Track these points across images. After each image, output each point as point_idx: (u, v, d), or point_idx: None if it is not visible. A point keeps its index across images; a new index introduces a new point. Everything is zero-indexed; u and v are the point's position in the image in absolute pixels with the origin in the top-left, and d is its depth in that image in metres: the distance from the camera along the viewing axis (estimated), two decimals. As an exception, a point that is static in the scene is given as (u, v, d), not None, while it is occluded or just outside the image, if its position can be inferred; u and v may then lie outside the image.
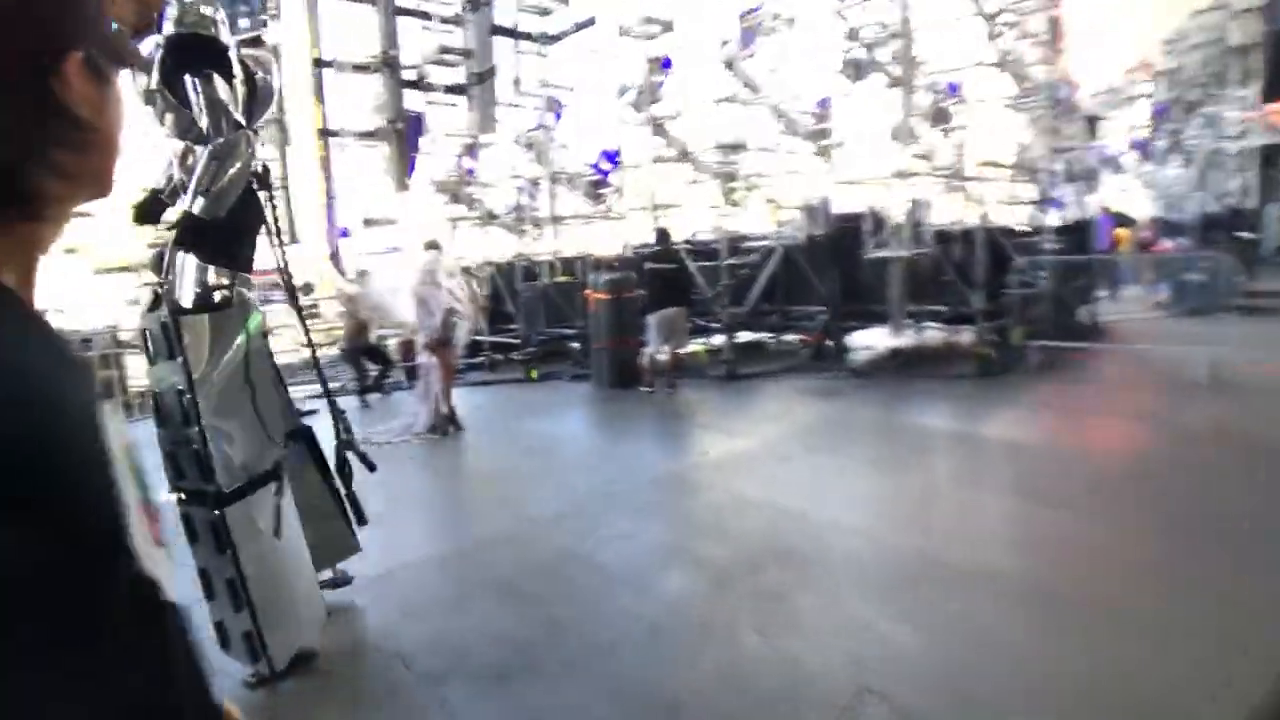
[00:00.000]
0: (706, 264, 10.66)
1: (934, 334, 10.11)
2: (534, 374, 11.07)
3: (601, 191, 12.28)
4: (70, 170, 0.71)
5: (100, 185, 0.77)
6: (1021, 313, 9.82)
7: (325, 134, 12.17)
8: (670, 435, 7.98)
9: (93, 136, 0.72)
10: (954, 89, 11.34)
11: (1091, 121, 12.55)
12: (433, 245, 8.02)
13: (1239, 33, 20.38)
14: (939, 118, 11.26)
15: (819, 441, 6.95)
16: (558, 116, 12.11)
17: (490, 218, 12.14)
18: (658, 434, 8.07)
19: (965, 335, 9.87)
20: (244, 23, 11.20)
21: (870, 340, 10.58)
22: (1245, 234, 15.94)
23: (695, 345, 10.80)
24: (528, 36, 12.48)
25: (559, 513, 5.52)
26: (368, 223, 11.74)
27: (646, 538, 4.96)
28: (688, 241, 10.87)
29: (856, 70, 10.17)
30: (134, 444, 0.75)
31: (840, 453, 6.61)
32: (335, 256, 15.63)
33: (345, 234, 16.78)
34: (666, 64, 10.99)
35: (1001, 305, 9.78)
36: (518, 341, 11.90)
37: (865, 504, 5.43)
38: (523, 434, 8.14)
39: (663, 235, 9.65)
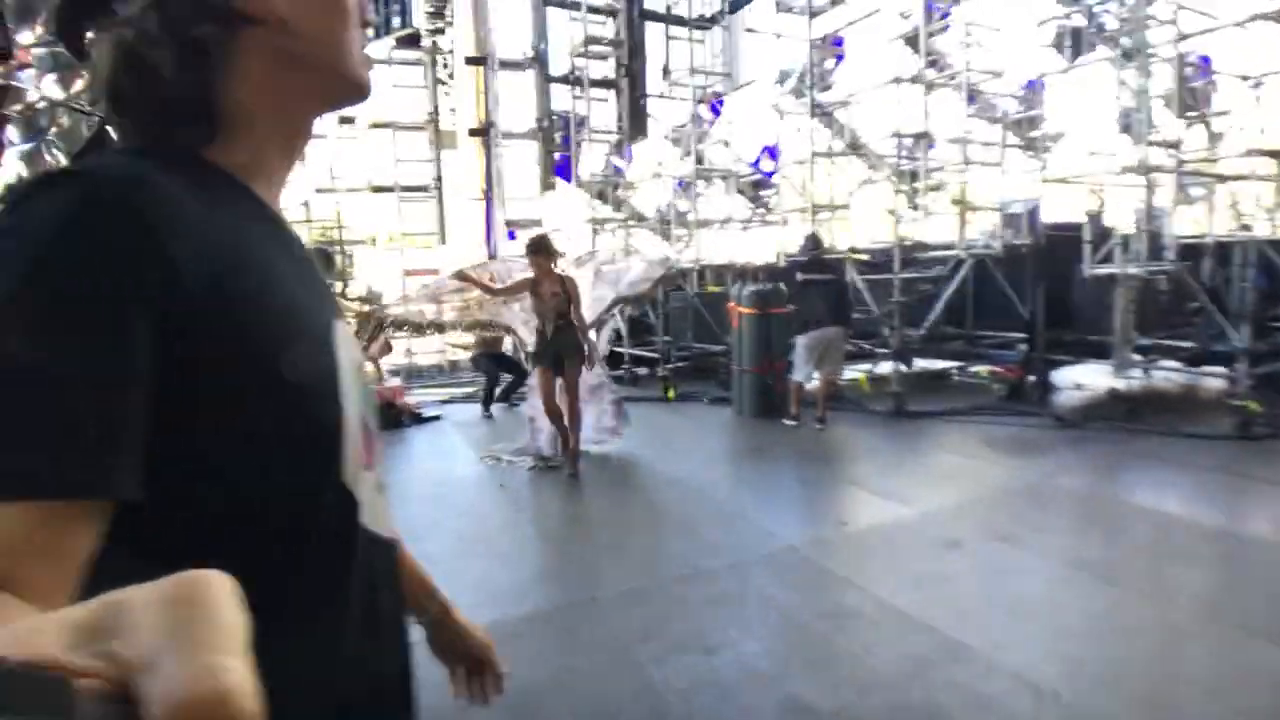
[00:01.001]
0: (875, 277, 8.87)
1: (1172, 376, 7.77)
2: (671, 394, 9.74)
3: (763, 193, 10.74)
4: (264, 78, 0.74)
5: (320, 91, 0.80)
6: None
7: (475, 133, 11.43)
8: (806, 487, 6.35)
9: (283, 37, 0.73)
10: (1206, 62, 8.86)
11: None
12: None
13: None
14: (1186, 101, 8.84)
15: (1003, 520, 5.09)
16: (714, 109, 10.68)
17: (639, 219, 10.91)
18: (790, 484, 6.46)
19: (1216, 380, 7.49)
20: (395, 21, 10.63)
21: (1086, 379, 8.37)
22: None
23: (857, 373, 9.05)
24: (680, 21, 11.09)
25: (626, 591, 4.15)
26: (509, 224, 10.89)
27: (728, 659, 3.46)
28: (853, 249, 9.08)
29: (1074, 42, 8.00)
30: (363, 366, 0.82)
31: (1031, 544, 4.73)
32: (494, 259, 15.19)
33: (513, 236, 16.10)
34: (838, 43, 9.29)
35: (1275, 343, 7.33)
36: (657, 356, 10.61)
37: (1062, 639, 3.62)
38: (631, 469, 6.81)
39: (814, 241, 7.97)
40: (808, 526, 5.36)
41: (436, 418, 9.43)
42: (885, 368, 8.77)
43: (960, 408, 8.24)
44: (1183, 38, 7.28)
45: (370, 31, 0.87)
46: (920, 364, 9.45)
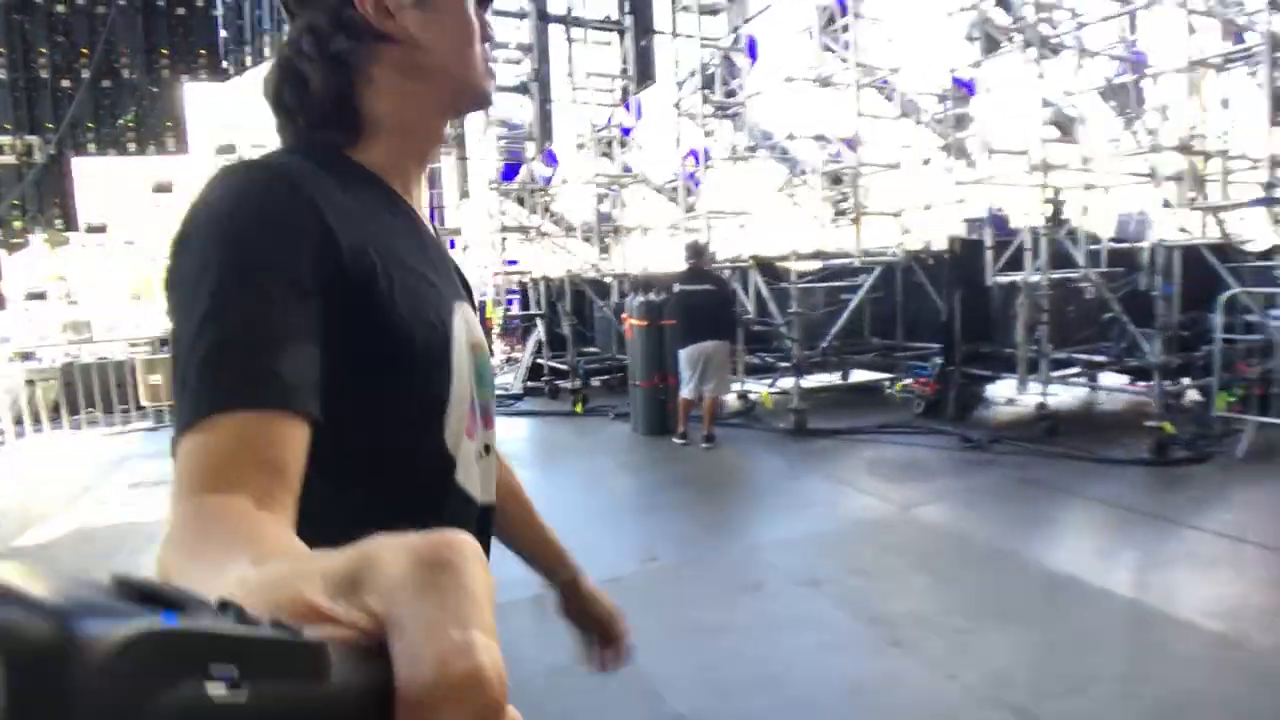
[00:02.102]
0: (796, 286, 8.16)
1: (1092, 393, 7.00)
2: (580, 407, 9.13)
3: (690, 197, 10.09)
4: (397, 87, 0.85)
5: (447, 99, 0.90)
6: (1231, 368, 6.52)
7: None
8: (646, 514, 5.64)
9: (413, 53, 0.84)
10: (1140, 57, 8.09)
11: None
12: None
13: None
14: (1119, 97, 8.11)
15: (827, 561, 4.41)
16: (630, 109, 10.05)
17: (566, 227, 10.30)
18: (632, 509, 5.82)
19: (1137, 398, 6.71)
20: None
21: (1006, 395, 7.63)
22: None
23: (762, 388, 8.36)
24: (578, 22, 10.44)
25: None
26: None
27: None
28: (755, 258, 8.37)
29: (988, 35, 7.29)
30: (484, 346, 0.91)
31: (836, 591, 4.03)
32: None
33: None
34: (750, 42, 8.66)
35: (1199, 358, 6.53)
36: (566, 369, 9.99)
37: (798, 710, 2.96)
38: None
39: (694, 250, 7.29)
40: (619, 559, 4.68)
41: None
42: (787, 383, 8.06)
43: (865, 426, 7.51)
44: (1081, 26, 6.55)
45: (488, 46, 0.92)
46: (833, 378, 8.73)
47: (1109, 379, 8.02)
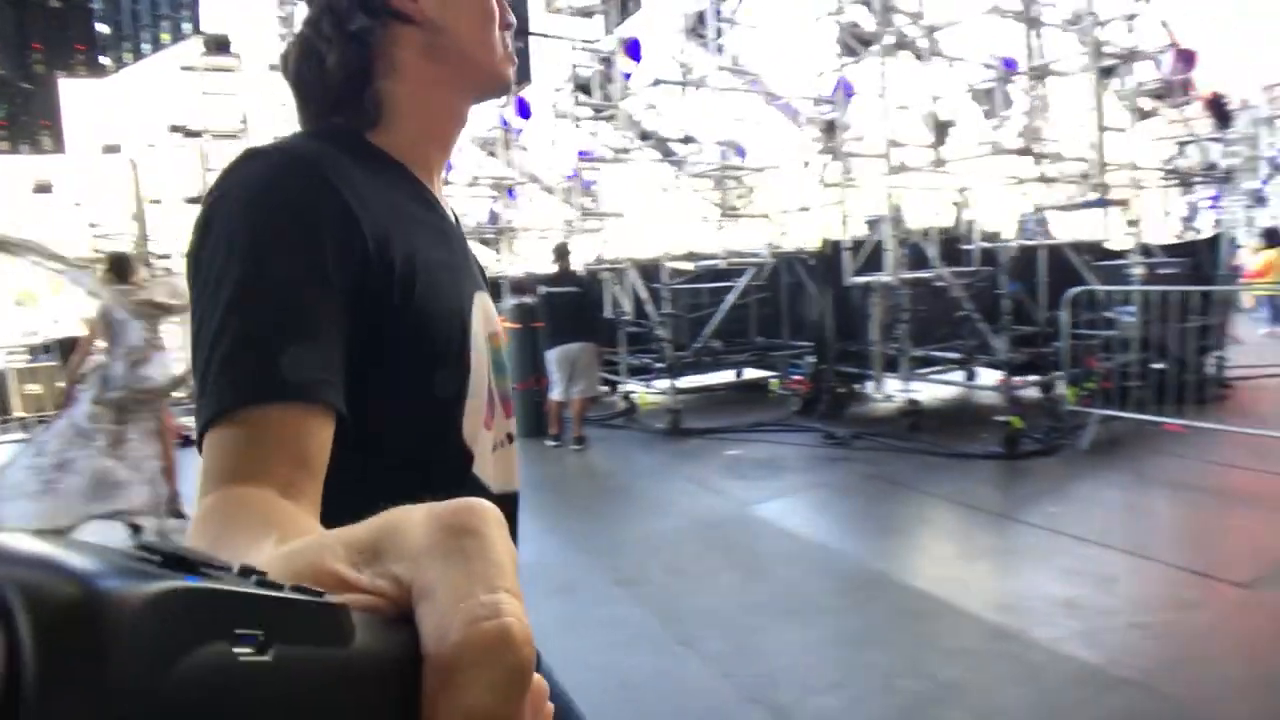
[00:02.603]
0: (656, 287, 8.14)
1: (955, 389, 7.14)
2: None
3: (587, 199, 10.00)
4: (417, 71, 0.84)
5: (467, 83, 0.89)
6: (1080, 362, 6.71)
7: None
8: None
9: (434, 35, 0.84)
10: (1010, 65, 8.27)
11: (1219, 108, 8.91)
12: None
13: None
14: (990, 102, 8.27)
15: (691, 567, 4.37)
16: (523, 112, 9.93)
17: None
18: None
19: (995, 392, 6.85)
20: (185, 26, 9.80)
21: (882, 392, 7.72)
22: None
23: (641, 390, 8.33)
24: None
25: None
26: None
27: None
28: (632, 260, 8.33)
29: (856, 38, 7.38)
30: (504, 336, 0.92)
31: (625, 597, 4.01)
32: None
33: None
34: (633, 44, 8.62)
35: (1047, 355, 6.70)
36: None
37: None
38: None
39: (559, 252, 7.24)
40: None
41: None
42: (662, 383, 8.03)
43: (737, 425, 7.53)
44: (932, 30, 6.66)
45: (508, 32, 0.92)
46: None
47: (983, 375, 8.21)
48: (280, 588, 0.22)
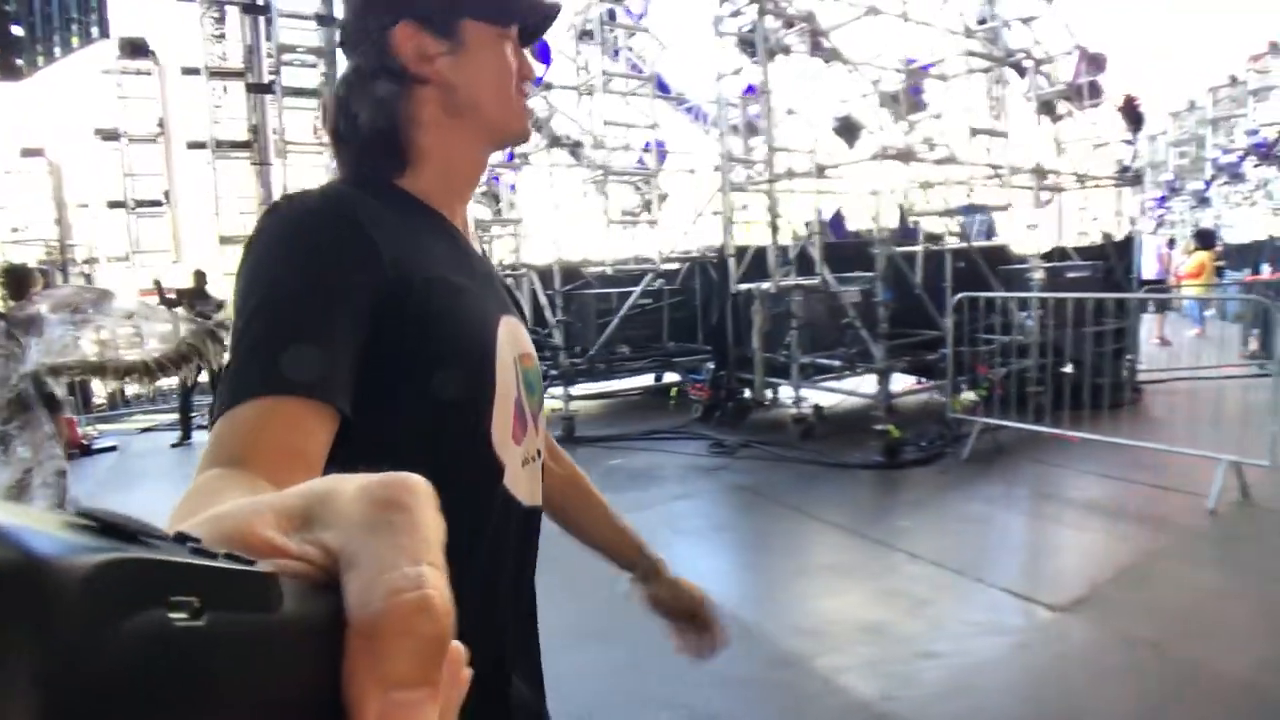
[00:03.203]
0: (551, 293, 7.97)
1: (846, 397, 6.98)
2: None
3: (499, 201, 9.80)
4: (439, 124, 0.92)
5: (483, 135, 0.96)
6: (970, 370, 6.58)
7: (193, 146, 10.34)
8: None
9: (450, 94, 0.92)
10: (925, 68, 8.14)
11: (1132, 111, 8.78)
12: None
13: None
14: (901, 104, 8.13)
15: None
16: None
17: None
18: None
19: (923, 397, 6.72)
20: (94, 31, 9.54)
21: (784, 398, 7.57)
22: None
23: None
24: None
25: None
26: (224, 240, 9.84)
27: None
28: (529, 266, 8.14)
29: (757, 42, 7.19)
30: (533, 358, 0.97)
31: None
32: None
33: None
34: (543, 47, 8.43)
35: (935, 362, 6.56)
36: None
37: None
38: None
39: None
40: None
41: (111, 449, 8.41)
42: (557, 390, 7.86)
43: (630, 433, 7.37)
44: (815, 32, 6.50)
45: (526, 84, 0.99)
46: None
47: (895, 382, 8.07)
48: (214, 555, 0.22)
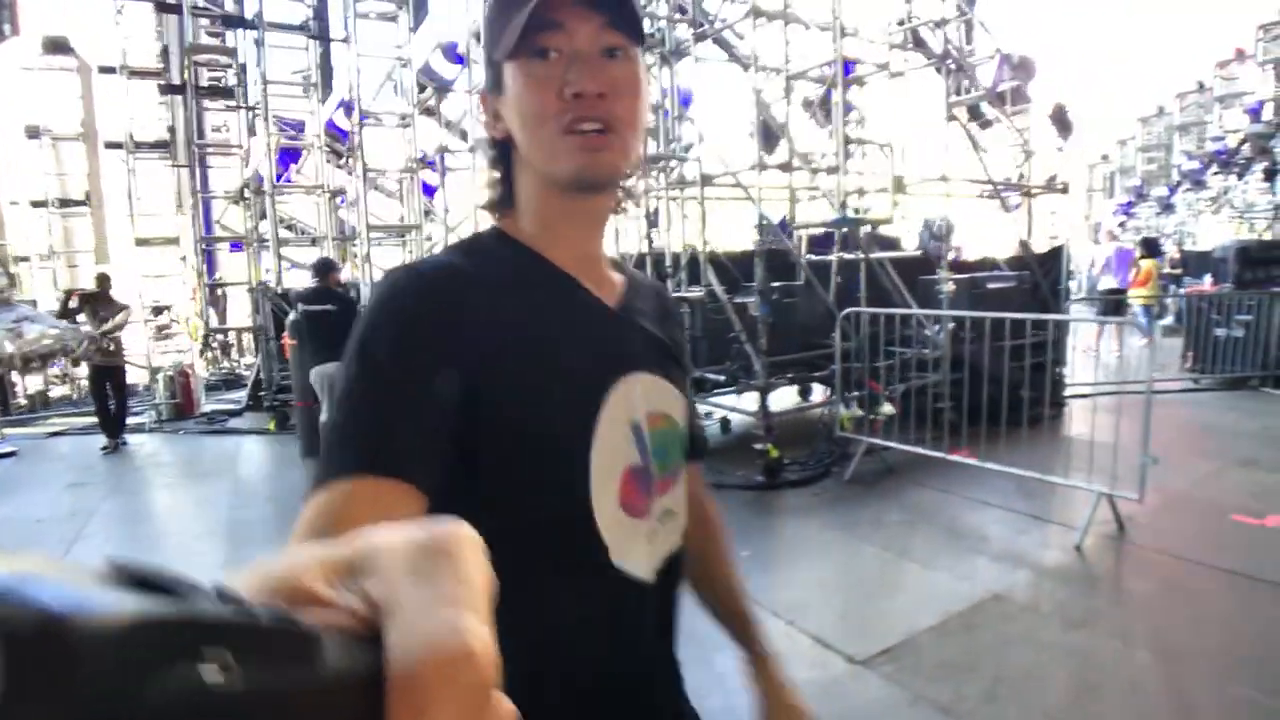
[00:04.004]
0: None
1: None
2: (273, 425, 8.49)
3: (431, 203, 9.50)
4: (524, 174, 0.90)
5: (547, 184, 0.87)
6: (856, 386, 6.24)
7: (111, 146, 10.02)
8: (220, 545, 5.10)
9: (519, 148, 0.88)
10: (849, 69, 7.79)
11: (1061, 118, 8.41)
12: None
13: None
14: (817, 112, 7.81)
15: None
16: (344, 108, 9.37)
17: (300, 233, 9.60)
18: (222, 535, 5.25)
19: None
20: (6, 28, 9.27)
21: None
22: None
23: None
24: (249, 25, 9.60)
25: None
26: (139, 242, 9.54)
27: None
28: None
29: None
30: (667, 417, 0.92)
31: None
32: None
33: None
34: (453, 47, 8.11)
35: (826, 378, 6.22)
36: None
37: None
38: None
39: (321, 267, 6.74)
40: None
41: (10, 454, 8.13)
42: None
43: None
44: (701, 38, 6.17)
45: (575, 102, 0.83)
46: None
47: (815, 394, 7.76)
48: (251, 610, 0.21)
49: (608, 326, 0.91)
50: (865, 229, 6.26)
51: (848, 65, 7.97)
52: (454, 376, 0.74)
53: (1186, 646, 3.37)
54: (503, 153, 0.90)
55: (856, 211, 6.37)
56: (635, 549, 0.86)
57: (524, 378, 0.79)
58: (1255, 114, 15.19)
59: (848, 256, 7.06)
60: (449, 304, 0.78)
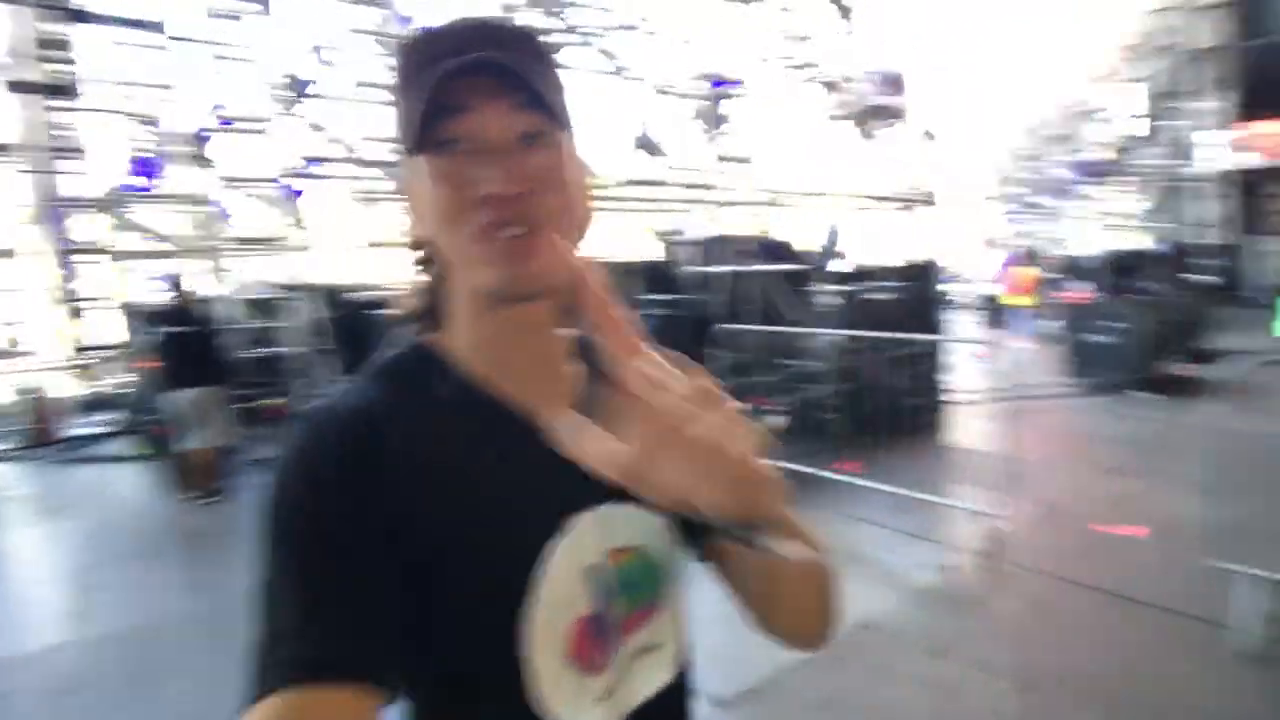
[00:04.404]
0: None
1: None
2: (145, 450, 7.85)
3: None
4: (453, 280, 0.76)
5: (476, 283, 0.73)
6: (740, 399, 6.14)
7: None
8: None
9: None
10: (719, 83, 7.72)
11: (928, 133, 8.55)
12: None
13: (1208, 36, 15.65)
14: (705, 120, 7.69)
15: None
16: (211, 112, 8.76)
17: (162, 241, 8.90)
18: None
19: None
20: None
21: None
22: (1204, 277, 11.57)
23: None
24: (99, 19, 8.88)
25: None
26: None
27: None
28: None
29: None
30: (635, 550, 0.79)
31: None
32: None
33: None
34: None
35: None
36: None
37: None
38: None
39: (173, 284, 6.24)
40: None
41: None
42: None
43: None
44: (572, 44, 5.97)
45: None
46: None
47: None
48: None
49: (555, 458, 0.71)
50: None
51: (720, 81, 7.92)
52: (382, 538, 0.65)
53: (1046, 670, 3.34)
54: (428, 256, 0.78)
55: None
56: (582, 707, 0.76)
57: (453, 532, 0.69)
58: (1120, 128, 16.02)
59: (718, 270, 6.97)
60: (369, 457, 0.67)
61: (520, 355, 0.77)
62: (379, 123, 7.65)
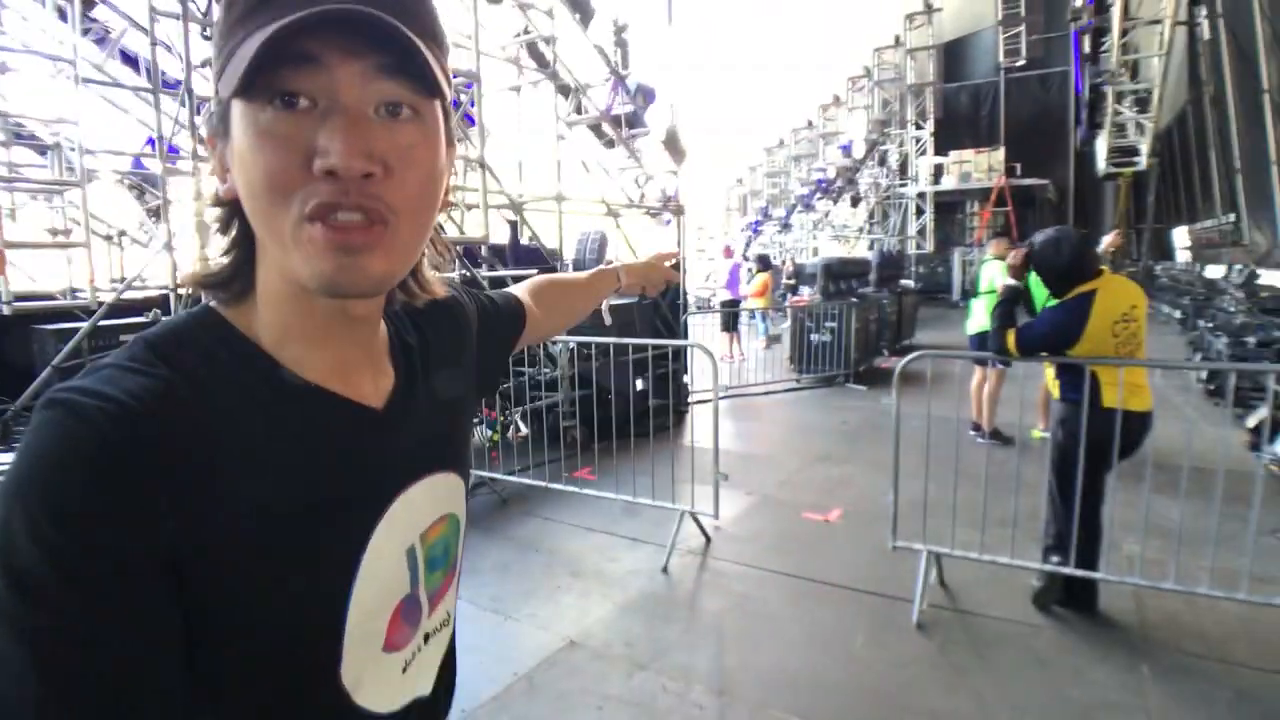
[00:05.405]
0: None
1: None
2: None
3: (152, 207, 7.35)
4: (262, 252, 0.65)
5: (294, 270, 0.60)
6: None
7: None
8: None
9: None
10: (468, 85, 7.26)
11: (674, 144, 8.74)
12: None
13: (915, 74, 17.89)
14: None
15: None
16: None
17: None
18: None
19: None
20: None
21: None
22: (908, 282, 12.92)
23: None
24: None
25: None
26: None
27: None
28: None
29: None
30: (450, 516, 0.76)
31: None
32: None
33: None
34: None
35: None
36: None
37: None
38: None
39: None
40: None
41: None
42: None
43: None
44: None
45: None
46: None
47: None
48: None
49: (369, 445, 0.66)
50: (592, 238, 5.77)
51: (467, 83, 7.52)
52: (167, 553, 0.52)
53: (742, 671, 3.27)
54: (233, 215, 0.62)
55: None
56: (389, 687, 0.71)
57: (257, 541, 0.57)
58: (846, 150, 17.74)
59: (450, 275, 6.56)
60: (146, 461, 0.51)
61: (334, 342, 0.66)
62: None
